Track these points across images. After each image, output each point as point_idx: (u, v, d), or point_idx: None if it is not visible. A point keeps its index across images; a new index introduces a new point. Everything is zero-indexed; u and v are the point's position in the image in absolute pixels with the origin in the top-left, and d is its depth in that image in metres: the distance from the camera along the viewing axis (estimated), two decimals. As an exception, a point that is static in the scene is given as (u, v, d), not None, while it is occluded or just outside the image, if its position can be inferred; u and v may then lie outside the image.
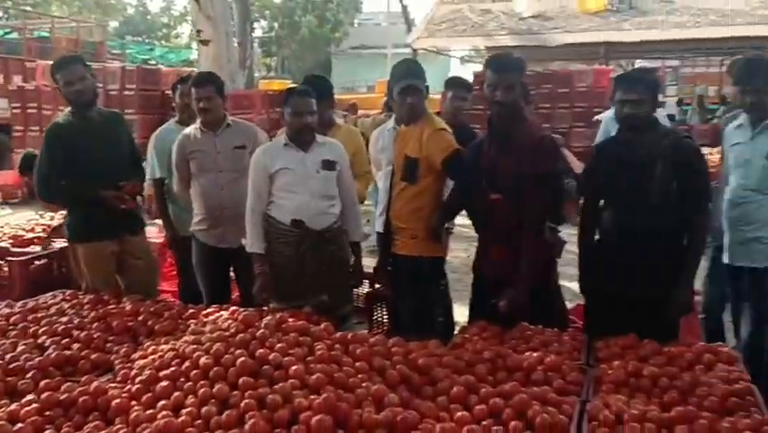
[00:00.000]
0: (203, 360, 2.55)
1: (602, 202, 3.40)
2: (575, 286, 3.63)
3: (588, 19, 14.68)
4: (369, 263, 5.92)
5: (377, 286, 4.58)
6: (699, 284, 4.07)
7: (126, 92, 11.04)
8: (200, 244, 4.22)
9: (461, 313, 4.75)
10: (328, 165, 3.60)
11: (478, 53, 17.67)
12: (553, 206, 3.61)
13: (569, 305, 4.26)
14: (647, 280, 3.17)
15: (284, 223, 3.55)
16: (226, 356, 2.56)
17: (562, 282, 4.20)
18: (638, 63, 18.50)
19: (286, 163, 3.56)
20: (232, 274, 4.36)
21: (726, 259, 3.53)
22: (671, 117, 13.33)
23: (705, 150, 11.44)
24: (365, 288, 4.67)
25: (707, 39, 13.61)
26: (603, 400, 2.52)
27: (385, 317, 4.51)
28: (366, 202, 10.17)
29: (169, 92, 4.92)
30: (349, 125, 5.03)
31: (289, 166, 3.56)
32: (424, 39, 15.38)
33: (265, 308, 3.40)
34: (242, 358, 2.53)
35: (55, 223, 5.90)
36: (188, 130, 4.23)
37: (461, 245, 7.45)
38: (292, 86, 3.70)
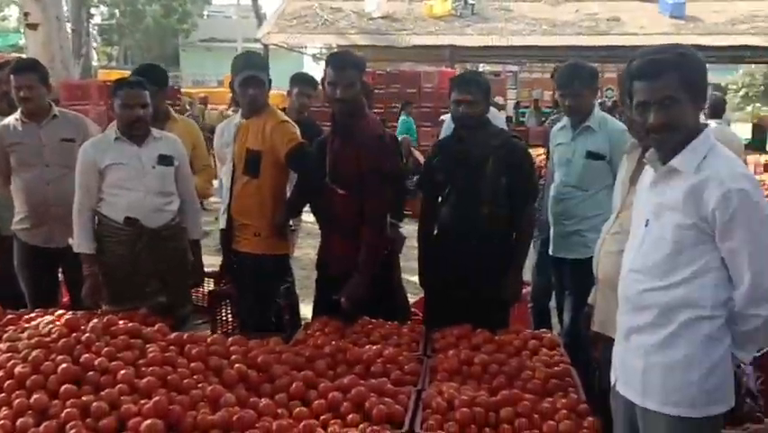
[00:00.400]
0: (19, 369, 2.36)
1: (440, 198, 3.53)
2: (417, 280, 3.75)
3: (434, 23, 15.21)
4: (216, 262, 5.76)
5: (222, 285, 4.47)
6: (528, 275, 4.37)
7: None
8: (22, 243, 3.88)
9: (309, 310, 4.75)
10: (164, 160, 3.44)
11: (330, 51, 17.71)
12: (395, 202, 3.70)
13: (412, 298, 4.40)
14: (481, 272, 3.33)
15: (116, 221, 3.36)
16: (46, 363, 2.38)
17: (406, 276, 4.32)
18: (481, 67, 19.50)
19: (117, 158, 3.36)
20: (60, 276, 4.06)
21: (550, 251, 3.80)
22: (508, 119, 14.17)
23: (540, 150, 12.19)
24: (209, 287, 4.54)
25: (540, 46, 14.58)
26: (437, 388, 2.62)
27: (231, 316, 4.40)
28: (213, 199, 9.87)
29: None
30: (186, 118, 4.82)
31: (122, 161, 3.36)
32: (274, 34, 15.18)
33: (98, 311, 3.20)
34: (64, 365, 2.37)
35: None
36: (8, 120, 3.85)
37: (311, 242, 7.45)
38: (122, 76, 3.47)
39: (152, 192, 3.38)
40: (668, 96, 1.86)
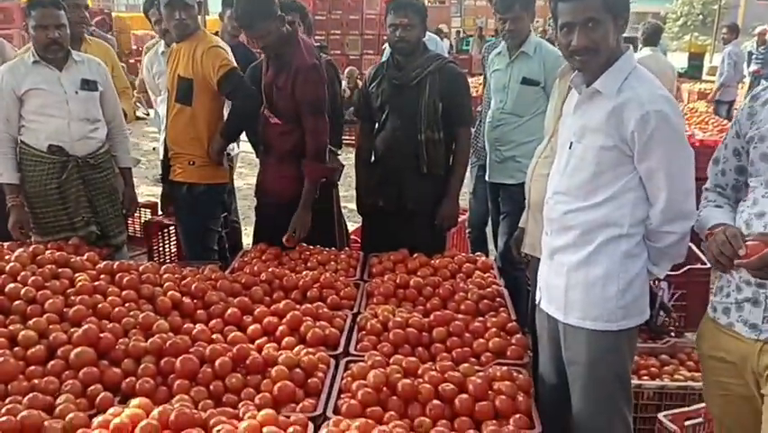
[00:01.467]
0: (-61, 301, 2.29)
1: (377, 124, 3.50)
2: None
3: (377, -55, 14.80)
4: (155, 192, 5.62)
5: (159, 214, 4.39)
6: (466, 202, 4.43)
7: None
8: None
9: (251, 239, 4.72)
10: (88, 85, 3.29)
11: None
12: (333, 130, 3.65)
13: (352, 227, 4.42)
14: (418, 197, 3.36)
15: (40, 149, 3.22)
16: (-31, 295, 2.32)
17: (346, 204, 4.32)
18: None
19: (37, 83, 3.19)
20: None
21: (487, 176, 3.84)
22: (451, 47, 14.04)
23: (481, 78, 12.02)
24: (146, 217, 4.45)
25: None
26: (372, 310, 2.67)
27: (170, 247, 4.34)
28: (150, 129, 9.57)
29: None
30: (100, 40, 4.56)
31: (42, 86, 3.20)
32: (211, -45, 14.50)
33: (27, 243, 3.10)
34: (-12, 295, 2.30)
35: None
36: None
37: (252, 171, 7.35)
38: None
39: (76, 119, 3.24)
40: (591, 17, 1.86)
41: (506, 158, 3.67)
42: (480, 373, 2.22)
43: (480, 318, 2.65)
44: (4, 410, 1.86)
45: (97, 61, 3.44)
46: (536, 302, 2.23)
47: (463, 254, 3.36)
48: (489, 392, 2.13)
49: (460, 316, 2.64)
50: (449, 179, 3.40)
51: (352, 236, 4.17)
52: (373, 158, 3.54)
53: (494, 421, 2.04)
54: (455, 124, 3.36)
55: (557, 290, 2.07)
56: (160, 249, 4.24)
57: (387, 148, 3.43)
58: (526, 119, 3.59)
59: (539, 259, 2.32)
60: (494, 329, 2.54)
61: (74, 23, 3.54)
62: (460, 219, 3.83)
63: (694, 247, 3.25)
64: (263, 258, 3.23)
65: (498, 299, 2.84)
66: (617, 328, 1.98)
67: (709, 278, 3.25)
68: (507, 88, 3.64)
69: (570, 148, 2.02)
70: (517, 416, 2.05)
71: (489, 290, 2.88)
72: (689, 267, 3.32)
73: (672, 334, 3.08)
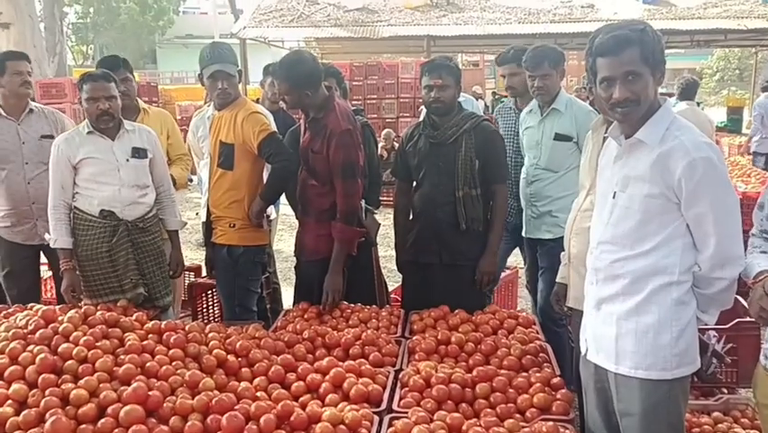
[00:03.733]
0: (-3, 361, 2.37)
1: (415, 183, 3.57)
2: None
3: (410, 13, 15.24)
4: (198, 256, 5.74)
5: (203, 277, 4.47)
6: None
7: None
8: (5, 242, 3.86)
9: (290, 300, 4.77)
10: (138, 153, 3.45)
11: (308, 44, 17.69)
12: (370, 190, 3.73)
13: (391, 286, 4.44)
14: (457, 254, 3.38)
15: (92, 214, 3.36)
16: (24, 354, 2.40)
17: (385, 264, 4.36)
18: (460, 57, 19.50)
19: (90, 153, 3.36)
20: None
21: (523, 232, 3.85)
22: (486, 108, 14.24)
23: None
24: (190, 279, 4.55)
25: (516, 34, 14.65)
26: (414, 367, 2.66)
27: (212, 308, 4.41)
28: (194, 194, 9.80)
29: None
30: (159, 108, 4.80)
31: (95, 155, 3.36)
32: (251, 28, 15.10)
33: (79, 305, 3.20)
34: (42, 355, 2.37)
35: None
36: None
37: (293, 233, 7.46)
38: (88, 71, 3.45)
39: (127, 185, 3.39)
40: (631, 70, 1.92)
41: (542, 213, 3.69)
42: (526, 430, 2.19)
43: (524, 374, 2.62)
44: (56, 468, 1.89)
45: (147, 129, 3.60)
46: (582, 354, 2.20)
47: (504, 310, 3.34)
48: (536, 449, 2.09)
49: (503, 371, 2.62)
50: (487, 235, 3.42)
51: (393, 295, 4.19)
52: (411, 216, 3.60)
53: (542, 478, 2.00)
54: (492, 181, 3.41)
55: (606, 340, 2.06)
56: (204, 310, 4.31)
57: (425, 205, 3.48)
58: (561, 174, 3.62)
59: (582, 312, 2.31)
60: (538, 385, 2.51)
61: (124, 94, 3.74)
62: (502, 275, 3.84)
63: (742, 300, 3.18)
64: (305, 316, 3.26)
65: (541, 355, 2.81)
66: (672, 377, 1.96)
67: (759, 331, 3.17)
68: (541, 144, 3.69)
69: (613, 198, 2.04)
70: (566, 472, 2.01)
71: (531, 345, 2.85)
72: (738, 320, 3.24)
73: (722, 381, 2.99)
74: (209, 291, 4.35)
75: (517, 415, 2.39)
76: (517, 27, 14.52)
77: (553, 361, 2.78)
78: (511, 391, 2.50)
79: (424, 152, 3.47)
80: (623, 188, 2.02)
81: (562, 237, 2.88)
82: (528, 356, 2.76)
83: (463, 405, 2.45)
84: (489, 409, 2.40)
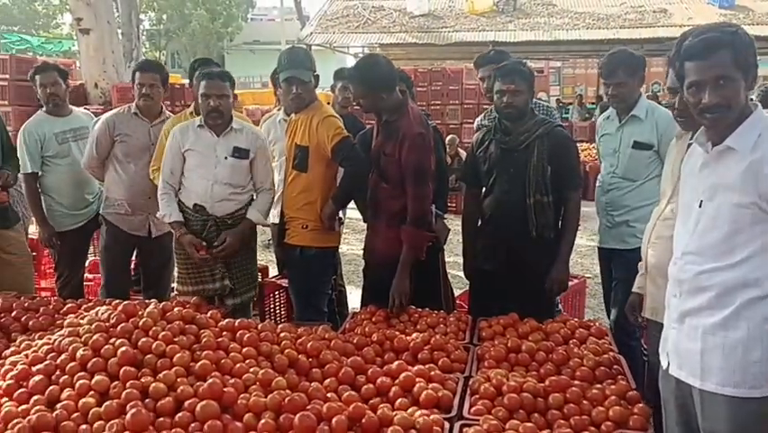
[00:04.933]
0: (80, 352, 2.45)
1: (484, 189, 3.54)
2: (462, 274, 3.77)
3: (475, 19, 15.16)
4: (265, 257, 5.84)
5: (270, 277, 4.55)
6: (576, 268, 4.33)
7: (0, 82, 10.32)
8: (114, 228, 4.13)
9: (354, 303, 4.80)
10: (239, 153, 3.56)
11: (373, 50, 17.81)
12: (439, 194, 3.71)
13: (457, 292, 4.41)
14: (526, 262, 3.33)
15: (188, 207, 3.54)
16: (106, 347, 2.47)
17: (451, 271, 4.33)
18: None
19: (195, 145, 3.53)
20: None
21: (597, 241, 3.76)
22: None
23: (584, 145, 11.99)
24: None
25: (584, 40, 14.39)
26: (484, 374, 2.63)
27: (280, 308, 4.48)
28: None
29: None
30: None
31: (197, 148, 3.53)
32: (317, 34, 15.33)
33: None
34: (123, 348, 2.45)
35: None
36: (118, 111, 4.13)
37: (356, 237, 7.53)
38: (208, 70, 3.63)
39: (220, 182, 3.52)
40: (722, 75, 1.85)
41: (618, 223, 3.59)
42: (602, 443, 2.12)
43: (598, 386, 2.55)
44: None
45: (254, 131, 3.73)
46: (664, 368, 2.13)
47: (576, 320, 3.27)
48: (613, 463, 2.03)
49: (576, 382, 2.55)
50: (559, 243, 3.36)
51: (458, 301, 4.16)
52: (480, 222, 3.56)
53: (619, 494, 1.94)
54: (564, 188, 3.35)
55: (691, 355, 1.98)
56: (272, 310, 4.38)
57: (495, 212, 3.45)
58: (639, 183, 3.51)
59: (659, 324, 2.23)
60: (614, 397, 2.43)
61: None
62: (570, 284, 3.75)
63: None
64: (373, 319, 3.27)
65: (615, 367, 2.73)
66: (761, 395, 1.86)
67: None
68: (618, 152, 3.59)
69: (699, 207, 1.97)
70: (645, 489, 1.94)
71: (605, 356, 2.77)
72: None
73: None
74: (277, 291, 4.42)
75: (592, 428, 2.32)
76: (585, 33, 14.26)
77: (627, 373, 2.70)
78: (585, 402, 2.44)
79: (494, 157, 3.44)
80: (710, 198, 1.94)
81: (639, 248, 2.80)
82: (602, 368, 2.69)
83: (535, 415, 2.40)
84: (562, 421, 2.34)
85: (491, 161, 3.44)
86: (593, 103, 18.86)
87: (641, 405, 2.41)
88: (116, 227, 4.13)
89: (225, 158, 3.53)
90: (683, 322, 2.02)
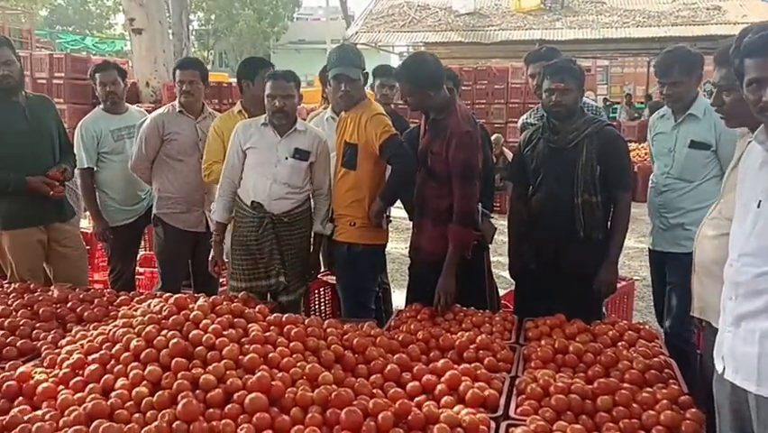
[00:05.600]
0: (134, 343, 2.52)
1: (531, 188, 3.49)
2: (507, 274, 3.74)
3: (522, 17, 15.03)
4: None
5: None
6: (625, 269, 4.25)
7: (55, 80, 10.65)
8: (169, 227, 4.20)
9: (397, 301, 4.82)
10: (299, 154, 3.59)
11: (418, 49, 17.80)
12: (485, 195, 3.69)
13: (502, 292, 4.38)
14: (574, 263, 3.28)
15: (246, 203, 3.58)
16: (158, 338, 2.53)
17: (495, 270, 4.31)
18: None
19: (257, 143, 3.57)
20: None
21: (649, 244, 3.67)
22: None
23: (633, 145, 11.80)
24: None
25: (633, 39, 14.11)
26: (531, 375, 2.61)
27: (325, 304, 4.52)
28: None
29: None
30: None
31: (259, 146, 3.57)
32: (362, 33, 15.40)
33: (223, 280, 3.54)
34: (175, 340, 2.50)
35: None
36: (163, 110, 4.19)
37: (399, 236, 7.54)
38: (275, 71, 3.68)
39: (278, 182, 3.55)
40: None
41: (672, 225, 3.50)
42: (653, 447, 2.08)
43: (649, 389, 2.50)
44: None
45: (319, 134, 3.74)
46: (719, 372, 2.07)
47: (625, 322, 3.21)
48: (664, 468, 1.99)
49: (626, 385, 2.51)
50: (608, 244, 3.31)
51: (503, 301, 4.13)
52: (527, 221, 3.52)
53: (671, 499, 1.90)
54: (614, 188, 3.29)
55: (747, 359, 1.92)
56: (318, 307, 4.42)
57: (542, 211, 3.41)
58: (696, 184, 3.43)
59: (714, 328, 2.18)
60: (665, 402, 2.38)
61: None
62: (618, 286, 3.69)
63: None
64: (418, 317, 3.27)
65: (666, 371, 2.67)
66: (821, 401, 1.80)
67: None
68: (674, 152, 3.50)
69: (758, 207, 1.91)
70: (697, 495, 1.90)
71: (655, 360, 2.71)
72: None
73: None
74: (323, 288, 4.46)
75: (642, 432, 2.28)
76: (635, 31, 13.99)
77: (679, 378, 2.64)
78: (635, 406, 2.39)
79: (542, 156, 3.40)
80: None
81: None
82: (652, 371, 2.63)
83: (583, 417, 2.37)
84: (611, 424, 2.31)
85: (539, 159, 3.40)
86: (642, 102, 18.49)
87: (694, 410, 2.35)
88: (172, 226, 4.19)
89: (286, 158, 3.56)
90: (739, 326, 1.96)
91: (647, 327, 3.17)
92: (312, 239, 3.74)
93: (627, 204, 3.34)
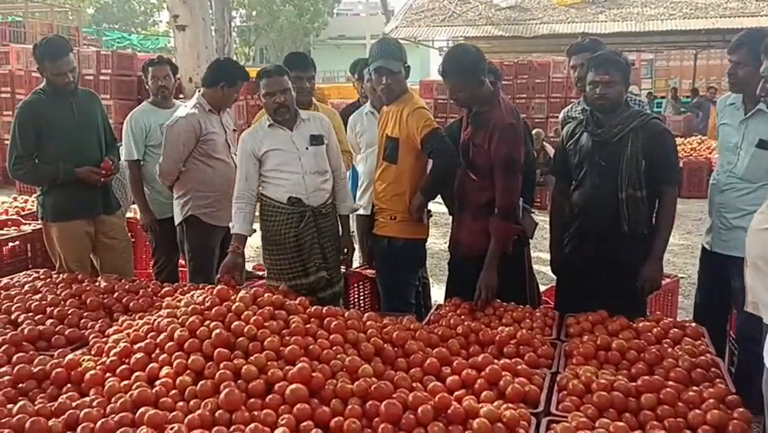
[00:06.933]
0: (178, 333, 2.56)
1: (574, 182, 3.44)
2: (548, 270, 3.69)
3: (564, 10, 14.81)
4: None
5: (354, 267, 4.60)
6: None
7: (102, 77, 10.93)
8: (205, 225, 4.17)
9: (436, 296, 4.80)
10: (316, 140, 3.61)
11: (457, 43, 17.71)
12: (526, 189, 3.65)
13: (542, 288, 4.33)
14: (617, 260, 3.23)
15: (280, 201, 3.55)
16: (201, 329, 2.57)
17: (536, 266, 4.27)
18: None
19: (274, 144, 3.56)
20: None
21: (708, 245, 3.52)
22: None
23: (679, 140, 11.60)
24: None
25: (679, 31, 13.78)
26: (573, 371, 2.57)
27: (365, 298, 4.53)
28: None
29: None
30: (327, 106, 5.05)
31: (278, 147, 3.56)
32: (402, 28, 15.37)
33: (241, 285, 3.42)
34: (218, 330, 2.54)
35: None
36: (193, 111, 4.07)
37: (437, 231, 7.51)
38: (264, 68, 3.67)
39: (309, 172, 3.56)
40: None
41: (733, 227, 3.32)
42: (699, 447, 2.03)
43: (695, 388, 2.45)
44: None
45: (321, 116, 3.77)
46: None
47: (669, 319, 3.15)
48: (711, 468, 1.94)
49: (671, 383, 2.46)
50: (653, 239, 3.24)
51: (543, 297, 4.08)
52: (569, 216, 3.47)
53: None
54: (660, 182, 3.21)
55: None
56: (357, 301, 4.43)
57: (585, 206, 3.35)
58: (758, 186, 3.25)
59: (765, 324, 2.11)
60: (712, 401, 2.32)
61: (308, 92, 4.07)
62: (663, 283, 3.60)
63: None
64: (458, 312, 3.25)
65: (713, 370, 2.61)
66: None
67: None
68: (740, 149, 3.32)
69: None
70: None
71: (702, 358, 2.65)
72: None
73: None
74: (362, 282, 4.47)
75: (688, 431, 2.23)
76: (681, 23, 13.67)
77: (726, 377, 2.57)
78: (680, 405, 2.34)
79: (585, 150, 3.34)
80: None
81: None
82: (698, 370, 2.57)
83: (626, 415, 2.33)
84: (655, 422, 2.26)
85: (582, 153, 3.35)
86: (688, 96, 18.06)
87: (742, 410, 2.29)
88: (208, 224, 4.16)
89: (306, 148, 3.58)
90: (793, 324, 1.91)
91: (693, 324, 3.10)
92: (339, 223, 3.77)
93: (674, 199, 3.26)
